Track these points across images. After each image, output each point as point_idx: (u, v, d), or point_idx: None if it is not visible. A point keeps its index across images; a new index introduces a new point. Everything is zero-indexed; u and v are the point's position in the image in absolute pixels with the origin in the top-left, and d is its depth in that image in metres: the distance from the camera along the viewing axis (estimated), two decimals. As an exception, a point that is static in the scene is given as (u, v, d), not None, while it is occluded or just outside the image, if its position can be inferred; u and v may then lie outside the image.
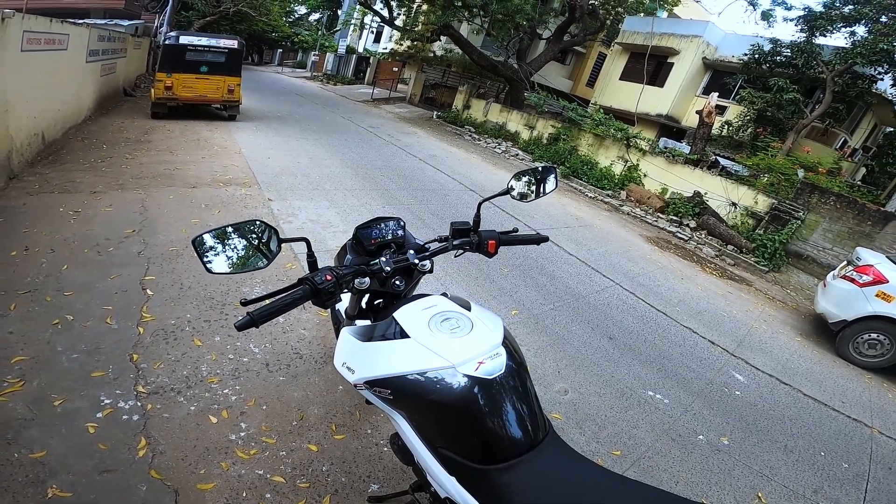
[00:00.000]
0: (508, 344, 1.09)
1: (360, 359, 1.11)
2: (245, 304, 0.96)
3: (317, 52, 29.43)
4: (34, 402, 1.88)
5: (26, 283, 2.61)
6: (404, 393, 1.01)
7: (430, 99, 17.89)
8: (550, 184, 1.64)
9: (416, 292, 1.53)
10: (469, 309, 1.16)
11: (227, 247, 1.03)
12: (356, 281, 1.19)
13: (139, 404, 1.98)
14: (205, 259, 1.00)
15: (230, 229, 1.04)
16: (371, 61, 23.70)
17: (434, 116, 14.87)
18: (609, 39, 17.79)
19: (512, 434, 0.98)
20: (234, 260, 1.04)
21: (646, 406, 2.83)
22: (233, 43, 8.38)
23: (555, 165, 1.59)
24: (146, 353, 2.29)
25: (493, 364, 1.00)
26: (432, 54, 18.10)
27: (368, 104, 16.60)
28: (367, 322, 1.68)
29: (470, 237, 1.43)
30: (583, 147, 10.75)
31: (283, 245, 1.10)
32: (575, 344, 3.34)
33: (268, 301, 0.98)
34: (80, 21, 8.10)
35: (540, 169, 1.63)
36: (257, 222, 1.08)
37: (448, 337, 1.04)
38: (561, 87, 18.78)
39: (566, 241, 5.68)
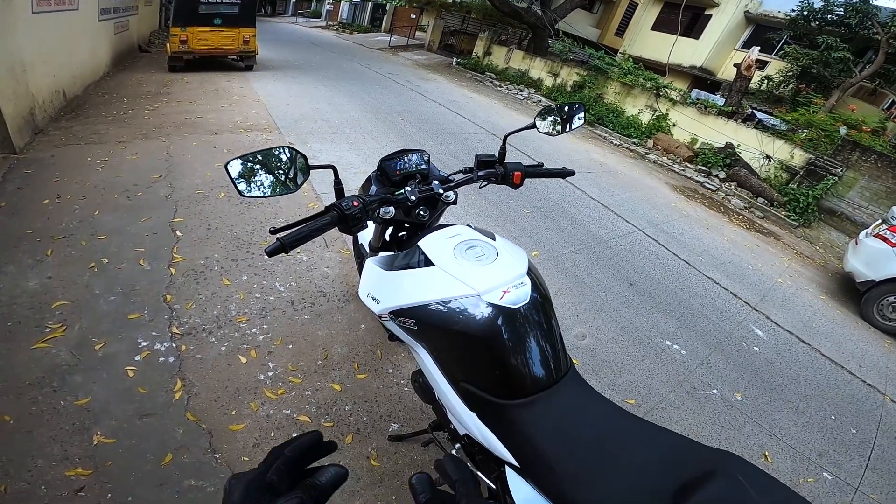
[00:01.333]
0: (534, 275, 1.07)
1: (384, 288, 1.11)
2: (274, 231, 0.95)
3: (331, 1, 28.24)
4: (77, 347, 1.97)
5: (61, 229, 2.70)
6: (428, 323, 1.00)
7: (450, 46, 17.18)
8: (577, 121, 1.57)
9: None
10: (494, 239, 1.14)
11: (257, 172, 1.03)
12: (381, 210, 1.17)
13: (174, 346, 2.07)
14: (237, 182, 1.00)
15: (260, 156, 1.03)
16: (388, 8, 22.68)
17: (453, 63, 14.30)
18: (641, -12, 16.54)
19: (534, 369, 0.96)
20: (265, 185, 1.04)
21: (662, 356, 2.83)
22: (245, -6, 8.14)
23: (582, 103, 1.49)
24: (178, 294, 2.38)
25: (518, 293, 0.98)
26: (451, 0, 17.18)
27: (386, 52, 16.05)
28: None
29: (495, 169, 1.39)
30: (609, 95, 10.24)
31: (310, 174, 1.09)
32: (594, 288, 3.32)
33: (296, 228, 0.97)
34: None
35: (566, 107, 1.55)
36: (286, 149, 1.07)
37: (473, 264, 1.02)
38: (587, 36, 17.68)
39: (589, 186, 5.54)
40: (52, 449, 1.59)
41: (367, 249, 1.55)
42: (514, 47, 13.52)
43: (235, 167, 1.00)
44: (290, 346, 2.21)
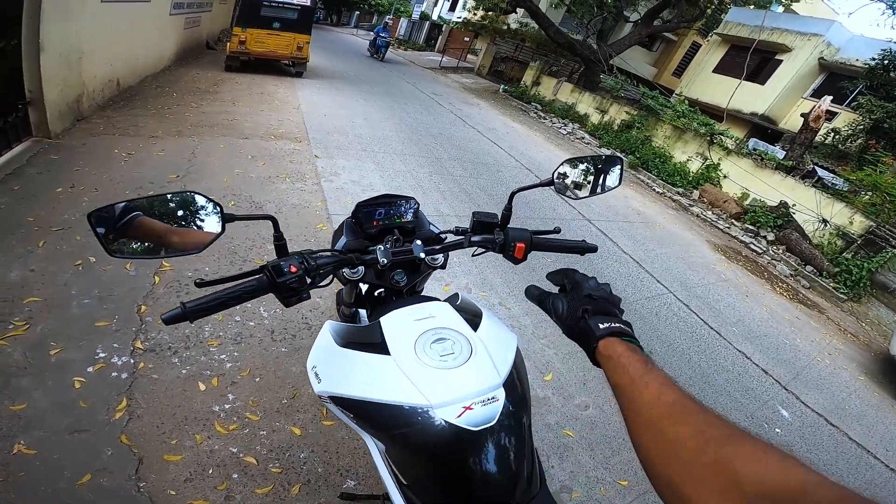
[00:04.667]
0: (513, 380, 0.84)
1: (330, 366, 0.90)
2: (200, 285, 0.75)
3: (391, 17, 29.23)
4: (32, 349, 1.89)
5: (61, 221, 2.67)
6: (370, 420, 0.81)
7: (499, 72, 17.30)
8: (613, 178, 1.22)
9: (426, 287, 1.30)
10: (477, 324, 0.92)
11: (144, 223, 0.80)
12: (347, 271, 1.00)
13: (132, 361, 1.95)
14: (102, 235, 0.76)
15: (156, 202, 0.82)
16: (443, 29, 23.26)
17: (500, 90, 14.29)
18: (707, 29, 16.15)
19: (492, 495, 0.77)
20: (149, 245, 0.81)
21: None
22: (306, 0, 8.41)
23: (621, 156, 1.20)
24: (155, 305, 2.27)
25: (484, 412, 0.76)
26: (506, 27, 17.34)
27: (436, 72, 16.30)
28: (364, 313, 1.49)
29: (494, 234, 1.10)
30: (658, 138, 9.81)
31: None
32: None
33: (215, 291, 0.77)
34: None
35: (598, 162, 1.22)
36: (196, 195, 0.86)
37: (435, 365, 0.81)
38: (643, 74, 17.37)
39: (622, 237, 5.19)
40: None
41: (342, 299, 1.36)
42: (564, 79, 13.38)
43: (108, 216, 0.76)
44: (258, 380, 2.05)
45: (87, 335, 2.01)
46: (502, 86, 14.68)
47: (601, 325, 0.67)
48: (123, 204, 0.77)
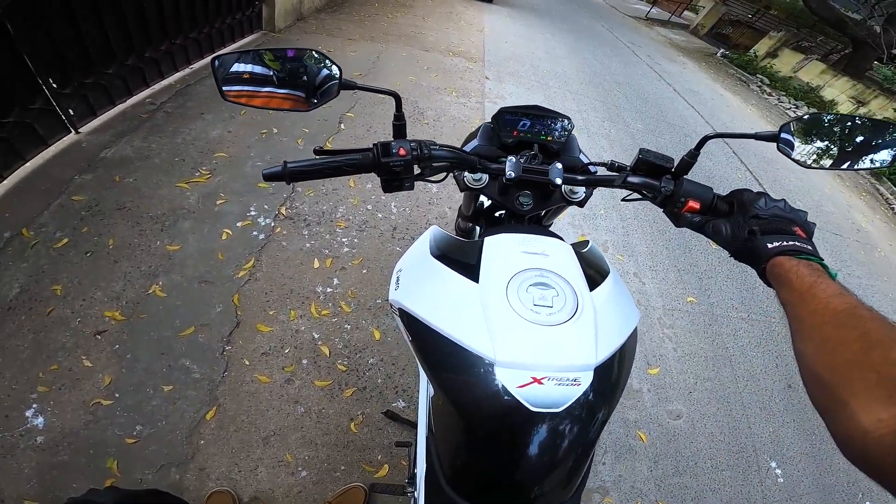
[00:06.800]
0: (611, 366, 0.64)
1: (414, 276, 0.79)
2: (318, 152, 0.72)
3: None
4: (205, 196, 2.22)
5: (261, 98, 3.10)
6: (427, 352, 0.69)
7: (723, 35, 14.20)
8: (885, 154, 0.78)
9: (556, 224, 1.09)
10: (598, 281, 0.72)
11: (260, 73, 0.75)
12: (468, 176, 0.87)
13: (272, 224, 2.18)
14: (224, 77, 0.72)
15: (278, 53, 0.75)
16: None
17: (718, 54, 11.69)
18: None
19: (511, 486, 0.64)
20: (266, 91, 0.75)
21: (751, 473, 1.93)
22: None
23: None
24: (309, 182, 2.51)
25: (556, 392, 0.58)
26: None
27: (640, 21, 14.08)
28: (477, 229, 1.37)
29: (660, 182, 0.79)
30: (924, 148, 7.04)
31: (362, 93, 0.81)
32: (739, 370, 2.37)
33: (324, 157, 0.72)
34: None
35: (865, 127, 0.80)
36: (319, 54, 0.77)
37: (522, 312, 0.63)
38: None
39: (823, 253, 3.52)
40: (116, 285, 1.77)
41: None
42: (816, 57, 10.35)
43: (231, 63, 0.73)
44: (365, 271, 2.13)
45: (248, 192, 2.31)
46: (721, 50, 12.02)
47: (770, 245, 0.60)
48: (247, 52, 0.73)
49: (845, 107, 8.86)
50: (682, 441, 1.96)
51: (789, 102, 9.03)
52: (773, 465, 2.00)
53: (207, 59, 3.43)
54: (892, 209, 5.99)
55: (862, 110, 8.54)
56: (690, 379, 2.22)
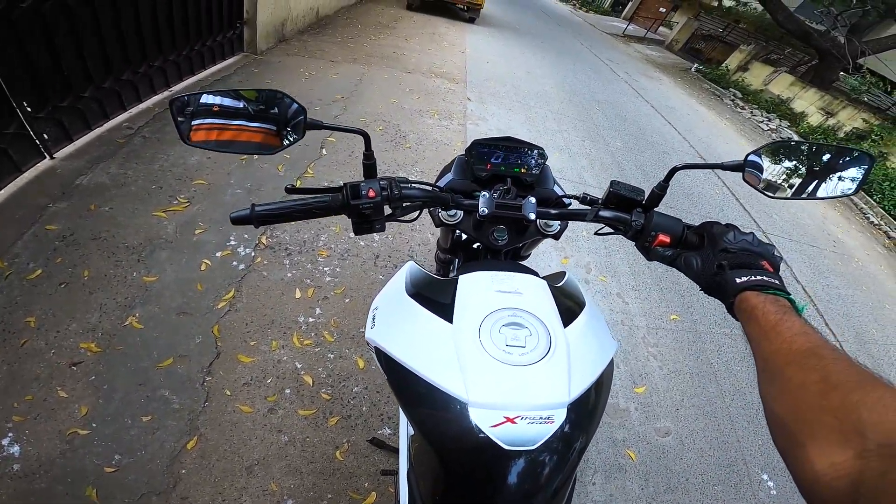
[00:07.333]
0: (586, 400, 0.65)
1: (389, 314, 0.79)
2: (290, 191, 0.73)
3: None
4: (183, 226, 2.18)
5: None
6: (403, 391, 0.70)
7: (696, 50, 14.87)
8: (847, 183, 0.80)
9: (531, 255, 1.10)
10: (575, 313, 0.73)
11: (222, 114, 0.74)
12: (442, 213, 0.89)
13: (252, 255, 2.16)
14: (180, 121, 0.70)
15: (240, 95, 0.74)
16: (637, -6, 20.49)
17: (692, 69, 12.15)
18: None
19: None
20: (229, 132, 0.74)
21: (744, 487, 1.97)
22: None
23: (872, 154, 0.69)
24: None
25: (529, 431, 0.59)
26: (717, 3, 14.64)
27: (616, 39, 14.59)
28: (456, 261, 1.37)
29: (631, 215, 0.81)
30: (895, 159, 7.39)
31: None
32: (727, 389, 2.40)
33: (293, 199, 0.72)
34: None
35: (839, 149, 0.82)
36: (283, 95, 0.76)
37: (494, 353, 0.64)
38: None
39: (800, 263, 4.06)
40: (91, 317, 1.73)
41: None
42: (785, 70, 10.81)
43: (191, 103, 0.72)
44: (347, 300, 2.11)
45: (228, 221, 2.22)
46: (695, 65, 12.50)
47: (738, 280, 0.61)
48: (206, 94, 0.72)
49: (815, 118, 9.15)
50: (672, 458, 1.99)
51: (761, 115, 9.37)
52: (765, 477, 2.04)
53: (188, 82, 3.44)
54: (867, 219, 6.25)
55: (831, 121, 8.85)
56: (677, 396, 2.25)
